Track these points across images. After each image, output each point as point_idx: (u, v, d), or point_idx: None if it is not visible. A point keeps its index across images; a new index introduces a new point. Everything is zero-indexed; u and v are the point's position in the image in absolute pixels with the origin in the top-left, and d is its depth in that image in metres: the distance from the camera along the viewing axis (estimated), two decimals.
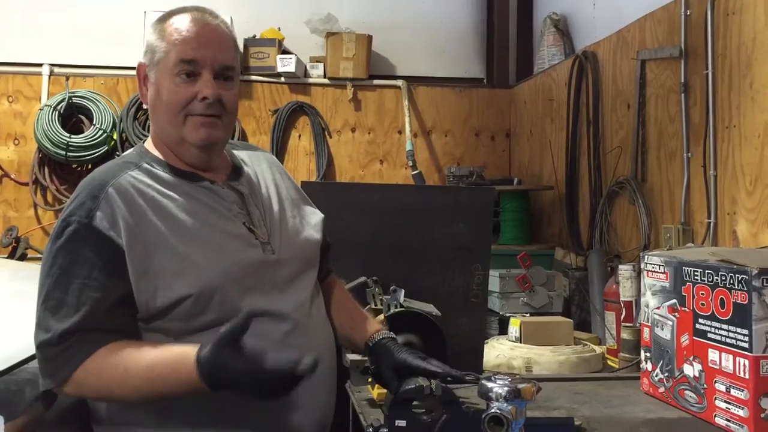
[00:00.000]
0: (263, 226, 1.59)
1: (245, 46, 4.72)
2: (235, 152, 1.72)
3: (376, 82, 4.97)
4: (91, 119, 4.55)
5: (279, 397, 1.33)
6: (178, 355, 1.36)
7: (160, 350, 1.39)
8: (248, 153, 1.76)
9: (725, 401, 1.65)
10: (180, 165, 1.57)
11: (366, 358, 1.66)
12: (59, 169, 4.59)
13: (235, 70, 1.58)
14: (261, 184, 1.68)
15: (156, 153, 1.59)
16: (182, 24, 1.53)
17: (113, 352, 1.39)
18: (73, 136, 4.48)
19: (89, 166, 4.51)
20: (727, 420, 1.64)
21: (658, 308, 1.89)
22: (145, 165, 1.55)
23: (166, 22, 1.55)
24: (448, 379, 1.49)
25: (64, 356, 1.39)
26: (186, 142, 1.54)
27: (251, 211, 1.59)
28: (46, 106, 4.51)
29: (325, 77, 4.90)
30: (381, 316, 1.95)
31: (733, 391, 1.62)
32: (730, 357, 1.62)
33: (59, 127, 4.47)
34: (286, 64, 4.74)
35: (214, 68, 1.52)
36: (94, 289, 1.40)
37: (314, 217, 1.75)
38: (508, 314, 2.91)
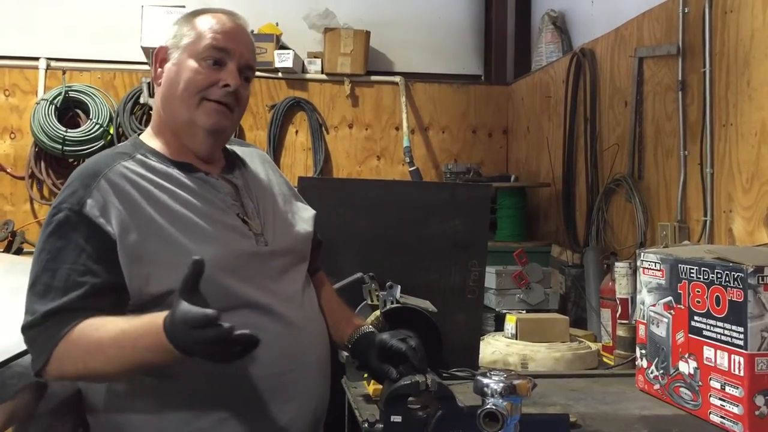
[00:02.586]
0: (257, 218, 1.60)
1: None
2: (229, 147, 1.73)
3: (373, 78, 4.96)
4: (87, 113, 4.54)
5: (236, 358, 1.29)
6: (147, 320, 1.34)
7: (130, 318, 1.38)
8: (242, 149, 1.78)
9: (720, 398, 1.65)
10: (177, 156, 1.58)
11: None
12: (55, 163, 4.58)
13: (254, 74, 1.65)
14: (254, 178, 1.70)
15: (152, 144, 1.60)
16: (217, 18, 1.60)
17: (87, 325, 1.39)
18: (69, 130, 4.47)
19: (85, 161, 4.49)
20: (722, 417, 1.64)
21: (653, 305, 1.89)
22: (139, 156, 1.55)
23: (198, 15, 1.61)
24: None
25: (45, 335, 1.39)
26: (195, 125, 1.56)
27: (245, 203, 1.60)
28: (42, 100, 4.50)
29: (322, 73, 4.90)
30: (377, 312, 1.95)
31: (727, 389, 1.62)
32: (725, 354, 1.62)
33: (56, 121, 4.46)
34: (283, 60, 4.73)
35: (240, 63, 1.58)
36: (81, 273, 1.41)
37: (306, 212, 1.77)
38: (504, 311, 2.92)
